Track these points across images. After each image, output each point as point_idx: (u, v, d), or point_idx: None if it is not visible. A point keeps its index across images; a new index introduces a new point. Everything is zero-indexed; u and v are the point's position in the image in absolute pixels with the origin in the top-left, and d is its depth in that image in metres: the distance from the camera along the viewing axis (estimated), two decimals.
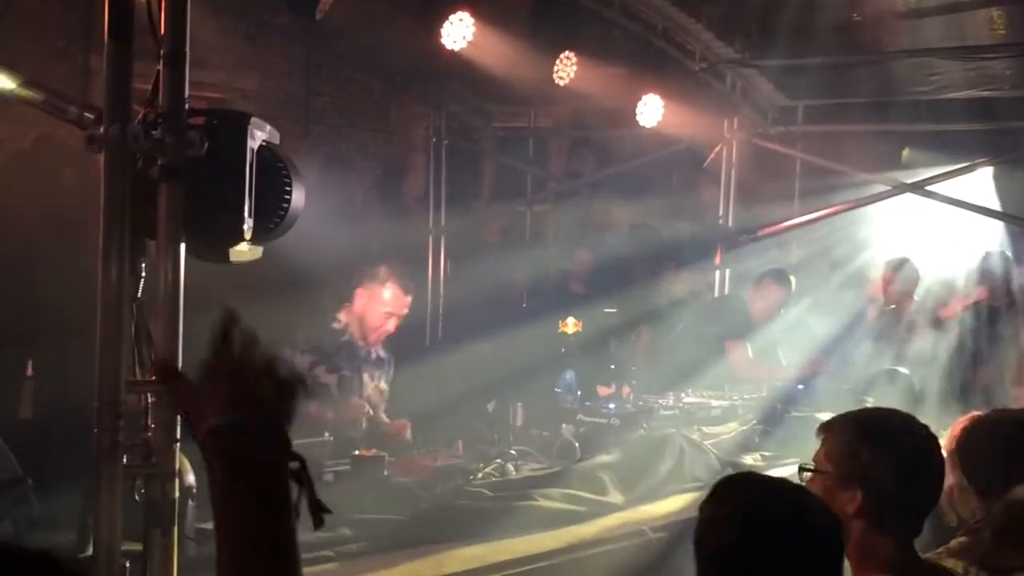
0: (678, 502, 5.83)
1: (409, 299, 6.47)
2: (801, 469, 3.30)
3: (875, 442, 3.23)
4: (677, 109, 9.26)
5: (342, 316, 6.41)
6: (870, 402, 6.71)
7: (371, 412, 6.24)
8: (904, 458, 3.19)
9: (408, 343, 9.58)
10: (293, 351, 6.19)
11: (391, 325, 6.43)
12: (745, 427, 7.09)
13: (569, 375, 6.96)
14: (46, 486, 4.75)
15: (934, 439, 3.31)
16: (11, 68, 3.44)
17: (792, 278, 8.79)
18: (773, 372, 8.32)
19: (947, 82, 9.08)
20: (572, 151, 12.71)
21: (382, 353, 6.60)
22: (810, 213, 10.05)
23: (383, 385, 6.61)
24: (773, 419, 7.19)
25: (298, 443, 4.94)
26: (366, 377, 6.47)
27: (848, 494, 3.11)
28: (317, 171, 9.89)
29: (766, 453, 6.84)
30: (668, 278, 9.91)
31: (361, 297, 6.37)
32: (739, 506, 2.59)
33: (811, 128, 10.35)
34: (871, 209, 9.91)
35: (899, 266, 9.19)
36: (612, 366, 8.02)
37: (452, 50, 7.68)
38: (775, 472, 6.37)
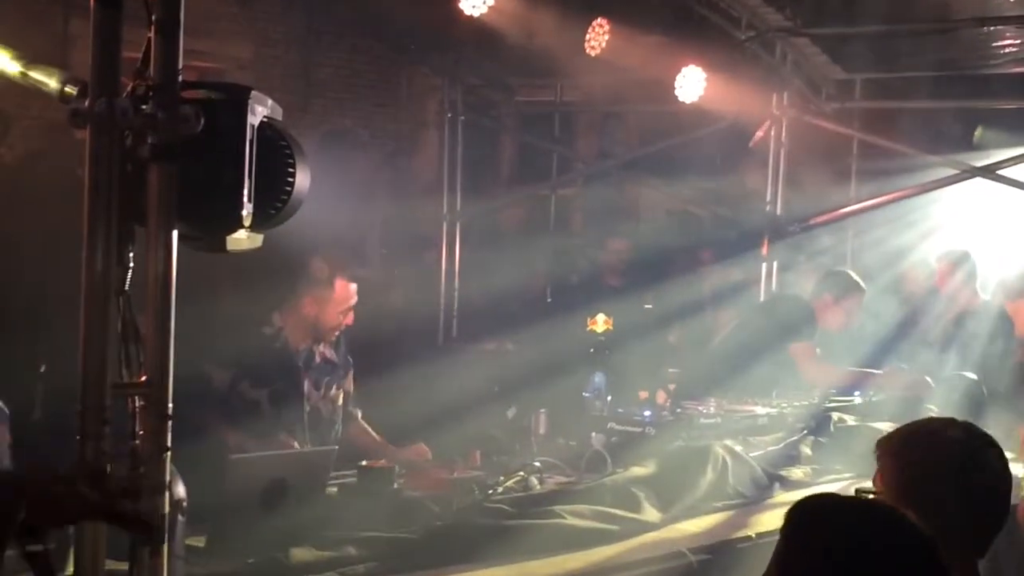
0: (721, 520, 5.81)
1: (355, 286, 6.32)
2: (857, 492, 3.30)
3: (923, 455, 3.23)
4: (720, 83, 9.25)
5: (276, 318, 6.23)
6: (934, 411, 6.71)
7: (297, 446, 5.84)
8: (953, 470, 3.19)
9: (419, 342, 9.64)
10: (210, 365, 5.95)
11: (349, 318, 6.33)
12: (794, 437, 7.06)
13: (598, 378, 6.95)
14: None
15: (994, 447, 3.30)
16: None
17: (854, 276, 8.68)
18: (845, 378, 8.19)
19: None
20: (602, 129, 12.73)
21: (330, 355, 6.42)
22: (868, 199, 10.02)
23: (335, 393, 6.42)
24: (825, 429, 7.17)
25: (302, 451, 4.93)
26: (308, 386, 6.27)
27: None
28: (317, 150, 9.91)
29: (817, 466, 6.83)
30: (708, 271, 9.91)
31: (310, 306, 6.21)
32: (824, 533, 2.59)
33: (869, 104, 10.32)
34: (937, 194, 9.86)
35: (960, 260, 9.14)
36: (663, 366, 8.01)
37: (470, 15, 7.69)
38: (827, 487, 6.41)
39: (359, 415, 6.58)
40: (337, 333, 6.37)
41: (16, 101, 8.10)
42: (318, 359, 6.35)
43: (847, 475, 6.57)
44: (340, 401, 6.47)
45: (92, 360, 3.01)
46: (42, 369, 7.65)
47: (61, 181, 6.48)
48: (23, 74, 3.35)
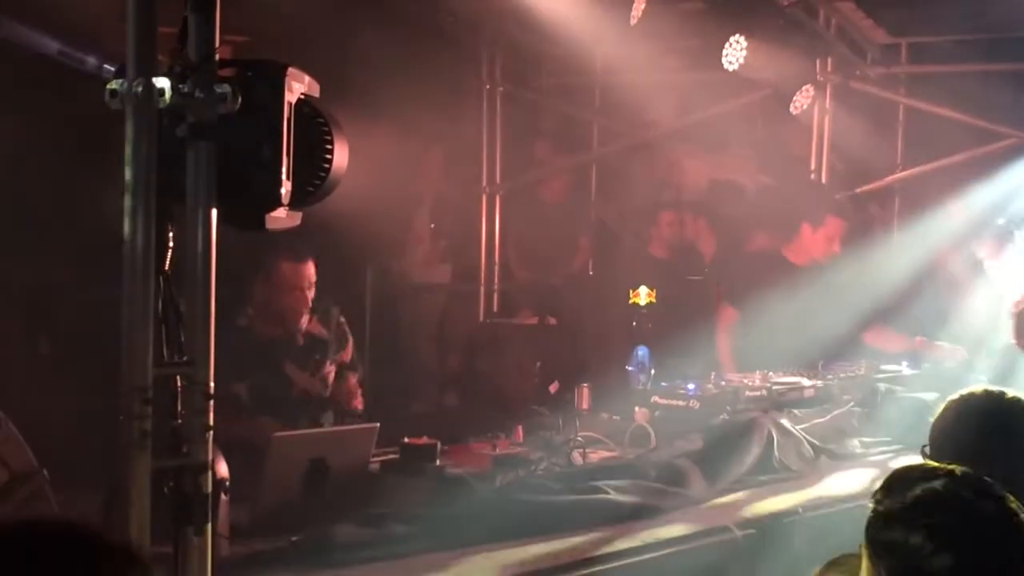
0: (767, 494, 5.82)
1: (306, 263, 6.24)
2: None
3: (945, 419, 3.42)
4: (761, 49, 9.18)
5: (249, 311, 6.22)
6: (982, 380, 6.64)
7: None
8: (958, 432, 3.34)
9: (460, 317, 9.67)
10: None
11: (311, 293, 6.26)
12: (841, 410, 7.05)
13: (642, 351, 6.96)
14: (64, 478, 4.82)
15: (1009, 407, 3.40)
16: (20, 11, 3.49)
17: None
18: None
19: None
20: (644, 98, 12.64)
21: (318, 332, 6.39)
22: (916, 167, 9.94)
23: (327, 370, 6.42)
24: (874, 401, 7.15)
25: (344, 429, 4.96)
26: (292, 371, 6.29)
27: None
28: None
29: (866, 439, 6.82)
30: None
31: (262, 294, 6.23)
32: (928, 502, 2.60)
33: (916, 69, 10.24)
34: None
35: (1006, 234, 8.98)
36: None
37: None
38: (876, 460, 6.41)
39: (353, 379, 6.57)
40: (306, 313, 6.32)
41: None
42: (301, 340, 6.32)
43: (896, 447, 6.56)
44: (332, 376, 6.47)
45: (135, 340, 3.05)
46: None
47: None
48: (60, 53, 3.39)
